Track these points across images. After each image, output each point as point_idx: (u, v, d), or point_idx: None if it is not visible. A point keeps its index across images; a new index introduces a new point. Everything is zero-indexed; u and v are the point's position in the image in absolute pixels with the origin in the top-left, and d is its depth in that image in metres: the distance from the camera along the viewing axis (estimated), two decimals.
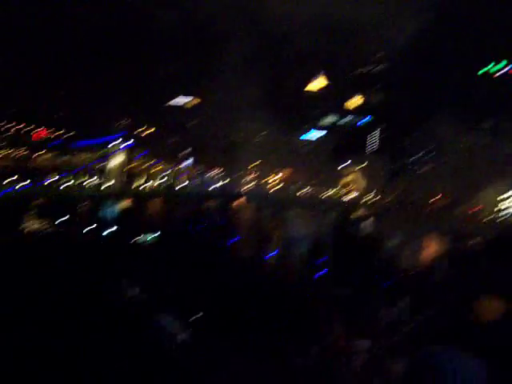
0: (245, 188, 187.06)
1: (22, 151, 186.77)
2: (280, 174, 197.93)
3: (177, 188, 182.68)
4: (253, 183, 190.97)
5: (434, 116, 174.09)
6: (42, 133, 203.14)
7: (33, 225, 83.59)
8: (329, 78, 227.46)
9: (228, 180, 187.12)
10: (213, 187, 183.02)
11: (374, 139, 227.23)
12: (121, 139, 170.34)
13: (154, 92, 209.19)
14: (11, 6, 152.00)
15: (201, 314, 36.17)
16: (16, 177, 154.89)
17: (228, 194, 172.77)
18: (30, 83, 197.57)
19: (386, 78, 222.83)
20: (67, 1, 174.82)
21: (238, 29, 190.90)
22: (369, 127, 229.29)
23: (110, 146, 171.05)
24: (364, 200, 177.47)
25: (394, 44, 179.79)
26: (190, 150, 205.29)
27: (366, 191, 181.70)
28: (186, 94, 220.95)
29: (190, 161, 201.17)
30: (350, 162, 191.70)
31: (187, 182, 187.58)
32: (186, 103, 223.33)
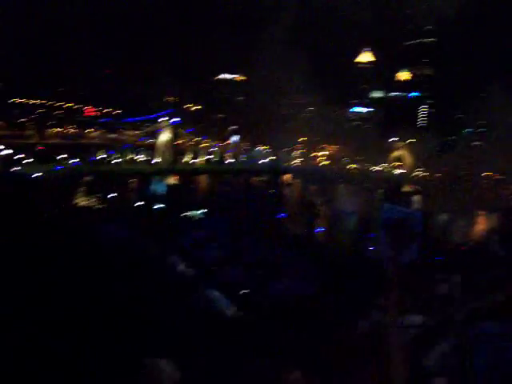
0: (292, 163, 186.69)
1: (72, 129, 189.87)
2: (327, 149, 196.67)
3: (224, 164, 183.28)
4: (300, 159, 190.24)
5: (485, 91, 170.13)
6: (91, 111, 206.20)
7: (83, 200, 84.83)
8: (377, 51, 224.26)
9: (275, 156, 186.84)
10: (260, 163, 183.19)
11: (422, 114, 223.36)
12: (168, 116, 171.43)
13: (201, 69, 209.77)
14: None
15: (247, 291, 35.96)
16: (67, 154, 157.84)
17: (275, 170, 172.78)
18: (78, 63, 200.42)
19: (435, 52, 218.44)
20: None
21: (283, 3, 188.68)
22: (417, 102, 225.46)
23: (157, 123, 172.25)
24: (412, 175, 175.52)
25: (444, 16, 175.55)
26: (237, 126, 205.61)
27: (415, 166, 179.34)
28: (232, 71, 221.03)
29: (237, 137, 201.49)
30: (398, 137, 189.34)
31: (234, 157, 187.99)
32: (232, 79, 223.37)
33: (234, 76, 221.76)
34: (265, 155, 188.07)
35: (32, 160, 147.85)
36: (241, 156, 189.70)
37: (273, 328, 32.81)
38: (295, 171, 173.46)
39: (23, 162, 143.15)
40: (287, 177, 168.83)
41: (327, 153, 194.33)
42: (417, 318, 25.00)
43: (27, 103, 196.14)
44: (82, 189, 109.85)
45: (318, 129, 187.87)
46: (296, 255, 44.77)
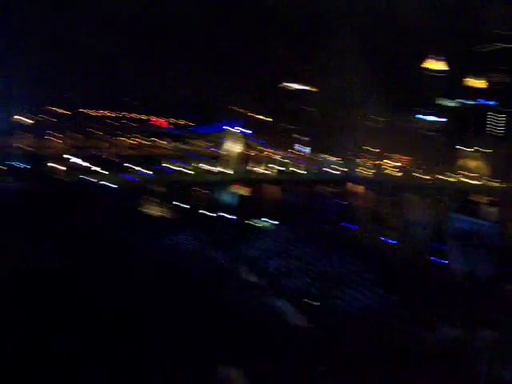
0: (362, 173, 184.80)
1: (144, 140, 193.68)
2: (397, 159, 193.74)
3: (294, 174, 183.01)
4: (370, 169, 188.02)
5: None
6: (162, 122, 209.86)
7: (154, 210, 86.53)
8: (448, 58, 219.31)
9: (345, 166, 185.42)
10: (330, 173, 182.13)
11: (497, 123, 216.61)
12: (238, 126, 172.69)
13: (270, 79, 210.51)
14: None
15: (318, 303, 35.87)
16: (139, 164, 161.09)
17: (345, 180, 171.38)
18: (151, 75, 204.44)
19: (509, 58, 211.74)
20: None
21: (350, 11, 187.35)
22: (490, 110, 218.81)
23: (227, 134, 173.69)
24: (486, 185, 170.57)
25: None
26: (306, 136, 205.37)
27: (488, 176, 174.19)
28: (301, 81, 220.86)
29: (307, 147, 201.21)
30: (470, 146, 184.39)
31: (304, 168, 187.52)
32: (302, 89, 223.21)
33: (303, 86, 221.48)
34: (334, 165, 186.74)
35: (105, 170, 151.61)
36: (310, 166, 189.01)
37: (338, 339, 32.39)
38: (365, 181, 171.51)
39: (97, 172, 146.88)
40: (357, 187, 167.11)
41: (397, 163, 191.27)
42: (491, 334, 24.28)
43: (101, 115, 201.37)
44: (153, 199, 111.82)
45: (388, 138, 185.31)
46: (365, 266, 44.12)
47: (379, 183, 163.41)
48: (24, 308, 34.40)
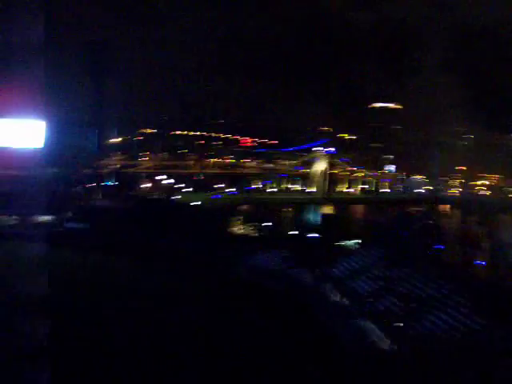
0: (450, 193, 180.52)
1: (230, 159, 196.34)
2: (487, 178, 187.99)
3: (379, 193, 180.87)
4: (458, 188, 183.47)
5: None
6: (247, 141, 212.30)
7: (240, 228, 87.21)
8: None
9: (432, 185, 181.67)
10: (416, 192, 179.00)
11: None
12: (323, 146, 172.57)
13: (355, 98, 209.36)
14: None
15: (402, 323, 35.05)
16: (224, 183, 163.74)
17: (432, 200, 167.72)
18: (232, 95, 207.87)
19: None
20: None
21: (435, 28, 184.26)
22: None
23: (312, 153, 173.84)
24: None
25: None
26: (392, 155, 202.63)
27: None
28: (387, 99, 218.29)
29: (393, 166, 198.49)
30: None
31: (390, 187, 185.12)
32: (387, 108, 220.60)
33: (388, 104, 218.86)
34: (421, 184, 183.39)
35: (192, 189, 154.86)
36: (396, 185, 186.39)
37: (428, 363, 31.74)
38: (453, 201, 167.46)
39: (184, 190, 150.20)
40: (445, 207, 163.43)
41: (487, 182, 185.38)
42: None
43: (188, 135, 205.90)
44: (238, 217, 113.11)
45: (477, 157, 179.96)
46: (454, 288, 43.13)
47: (467, 202, 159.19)
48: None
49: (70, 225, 79.05)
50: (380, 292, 46.27)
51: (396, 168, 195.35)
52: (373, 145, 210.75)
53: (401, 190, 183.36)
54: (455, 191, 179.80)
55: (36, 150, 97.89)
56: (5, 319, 31.61)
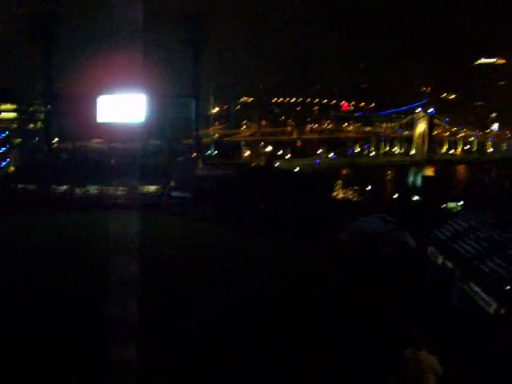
0: None
1: (329, 124, 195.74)
2: None
3: (484, 154, 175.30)
4: None
5: None
6: (346, 106, 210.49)
7: (342, 193, 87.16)
8: None
9: None
10: None
11: None
12: (423, 106, 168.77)
13: (456, 54, 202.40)
14: None
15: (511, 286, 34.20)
16: (324, 148, 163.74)
17: None
18: (328, 59, 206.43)
19: None
20: None
21: None
22: None
23: (412, 114, 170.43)
24: None
25: None
26: (497, 112, 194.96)
27: None
28: (489, 55, 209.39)
29: (496, 124, 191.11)
30: None
31: (496, 146, 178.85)
32: (492, 63, 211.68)
33: (493, 59, 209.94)
34: None
35: (292, 155, 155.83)
36: (503, 144, 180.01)
37: None
38: None
39: (285, 157, 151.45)
40: None
41: None
42: None
43: (286, 102, 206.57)
44: (340, 182, 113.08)
45: None
46: None
47: None
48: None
49: (175, 193, 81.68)
50: (486, 254, 45.30)
51: (502, 126, 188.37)
52: (476, 103, 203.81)
53: (507, 148, 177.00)
54: None
55: (138, 124, 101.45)
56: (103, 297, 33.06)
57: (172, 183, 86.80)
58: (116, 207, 70.08)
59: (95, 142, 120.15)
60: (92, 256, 47.85)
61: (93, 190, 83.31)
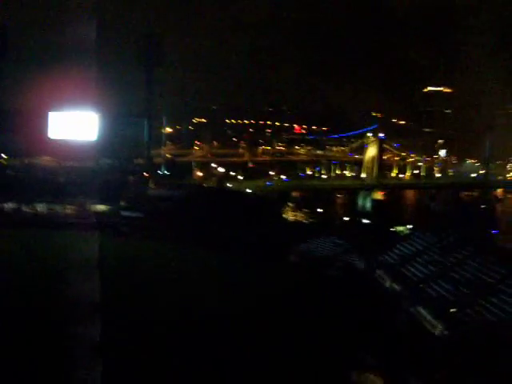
0: (505, 177, 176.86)
1: (281, 147, 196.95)
2: None
3: (432, 178, 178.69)
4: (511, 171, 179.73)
5: None
6: (298, 129, 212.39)
7: (292, 215, 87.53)
8: None
9: (485, 169, 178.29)
10: (470, 177, 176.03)
11: None
12: (374, 131, 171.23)
13: (406, 82, 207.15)
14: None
15: (456, 309, 34.86)
16: (276, 171, 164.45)
17: (486, 184, 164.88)
18: (281, 82, 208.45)
19: None
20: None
21: (483, 17, 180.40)
22: None
23: (363, 139, 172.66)
24: None
25: None
26: (444, 139, 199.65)
27: None
28: (436, 84, 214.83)
29: (444, 151, 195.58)
30: None
31: (442, 172, 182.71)
32: (439, 91, 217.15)
33: (439, 88, 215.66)
34: (474, 169, 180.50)
35: (244, 177, 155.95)
36: (449, 170, 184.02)
37: (482, 348, 31.62)
38: (506, 185, 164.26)
39: (237, 178, 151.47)
40: (499, 191, 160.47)
41: None
42: None
43: (239, 123, 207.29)
44: (291, 204, 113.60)
45: None
46: (508, 272, 42.65)
47: None
48: None
49: (125, 213, 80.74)
50: (432, 278, 46.13)
51: (448, 152, 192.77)
52: (425, 129, 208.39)
53: (453, 174, 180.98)
54: (509, 175, 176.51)
55: (90, 142, 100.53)
56: (59, 317, 32.30)
57: (123, 203, 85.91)
58: (64, 226, 68.91)
59: (45, 160, 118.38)
60: (36, 275, 47.25)
61: (40, 207, 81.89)
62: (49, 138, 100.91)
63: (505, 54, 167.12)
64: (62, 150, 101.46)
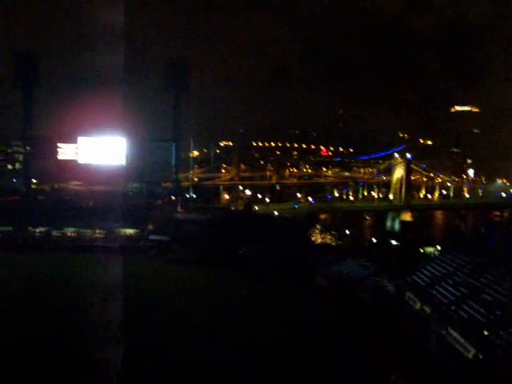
0: None
1: (308, 169, 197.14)
2: None
3: (461, 199, 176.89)
4: None
5: None
6: (325, 151, 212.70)
7: (320, 237, 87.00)
8: None
9: None
10: (499, 197, 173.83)
11: None
12: (401, 152, 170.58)
13: (434, 102, 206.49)
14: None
15: (488, 332, 34.14)
16: (304, 193, 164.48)
17: None
18: (308, 105, 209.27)
19: None
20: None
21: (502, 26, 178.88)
22: None
23: (390, 160, 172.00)
24: None
25: None
26: (473, 159, 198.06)
27: None
28: (464, 104, 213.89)
29: (472, 171, 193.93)
30: None
31: (471, 192, 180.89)
32: (467, 111, 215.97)
33: (466, 108, 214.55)
34: (504, 189, 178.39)
35: (271, 199, 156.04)
36: (479, 190, 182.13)
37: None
38: None
39: (264, 201, 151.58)
40: None
41: None
42: None
43: (265, 146, 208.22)
44: (318, 226, 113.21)
45: None
46: None
47: None
48: None
49: (153, 237, 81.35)
50: (463, 299, 45.50)
51: (476, 173, 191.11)
52: (453, 149, 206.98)
53: (483, 194, 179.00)
54: None
55: (118, 166, 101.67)
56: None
57: (150, 226, 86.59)
58: (93, 250, 69.66)
59: (73, 184, 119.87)
60: (70, 298, 47.84)
61: (70, 232, 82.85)
62: (78, 163, 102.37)
63: None
64: (91, 174, 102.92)
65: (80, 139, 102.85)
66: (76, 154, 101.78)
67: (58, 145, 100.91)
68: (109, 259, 59.01)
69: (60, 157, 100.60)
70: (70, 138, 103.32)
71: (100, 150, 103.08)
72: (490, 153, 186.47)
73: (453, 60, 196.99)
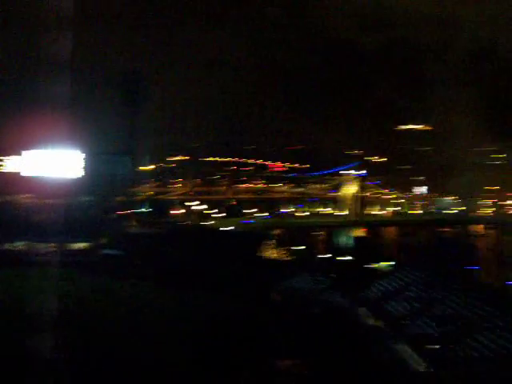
0: (481, 213, 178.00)
1: (261, 184, 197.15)
2: None
3: (411, 215, 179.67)
4: (492, 208, 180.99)
5: None
6: (278, 166, 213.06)
7: (272, 252, 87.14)
8: None
9: (464, 206, 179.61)
10: (448, 213, 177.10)
11: None
12: (353, 169, 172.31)
13: (385, 120, 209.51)
14: None
15: (439, 346, 34.62)
16: (256, 208, 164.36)
17: (465, 220, 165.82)
18: (262, 120, 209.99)
19: None
20: None
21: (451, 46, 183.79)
22: None
23: (343, 176, 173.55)
24: None
25: None
26: (423, 176, 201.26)
27: None
28: (416, 122, 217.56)
29: (424, 187, 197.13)
30: None
31: (422, 209, 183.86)
32: (417, 129, 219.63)
33: (417, 126, 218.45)
34: (453, 205, 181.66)
35: (226, 214, 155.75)
36: (428, 207, 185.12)
37: None
38: (487, 221, 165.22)
39: (219, 216, 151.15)
40: (478, 227, 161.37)
41: None
42: None
43: (219, 161, 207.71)
44: (273, 241, 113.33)
45: (509, 176, 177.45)
46: (491, 310, 42.74)
47: (501, 223, 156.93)
48: None
49: (106, 251, 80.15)
50: (415, 314, 46.04)
51: (427, 189, 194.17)
52: (403, 167, 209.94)
53: (433, 211, 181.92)
54: (487, 211, 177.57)
55: (73, 179, 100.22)
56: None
57: (103, 240, 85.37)
58: (42, 264, 67.91)
59: (25, 197, 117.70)
60: (14, 313, 46.61)
61: (20, 246, 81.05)
62: (24, 176, 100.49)
63: (475, 90, 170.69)
64: (43, 187, 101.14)
65: (24, 153, 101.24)
66: (20, 166, 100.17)
67: (1, 158, 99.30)
68: (51, 273, 57.33)
69: (3, 170, 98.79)
70: (15, 151, 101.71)
71: (50, 163, 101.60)
72: (442, 170, 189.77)
73: (405, 79, 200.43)
